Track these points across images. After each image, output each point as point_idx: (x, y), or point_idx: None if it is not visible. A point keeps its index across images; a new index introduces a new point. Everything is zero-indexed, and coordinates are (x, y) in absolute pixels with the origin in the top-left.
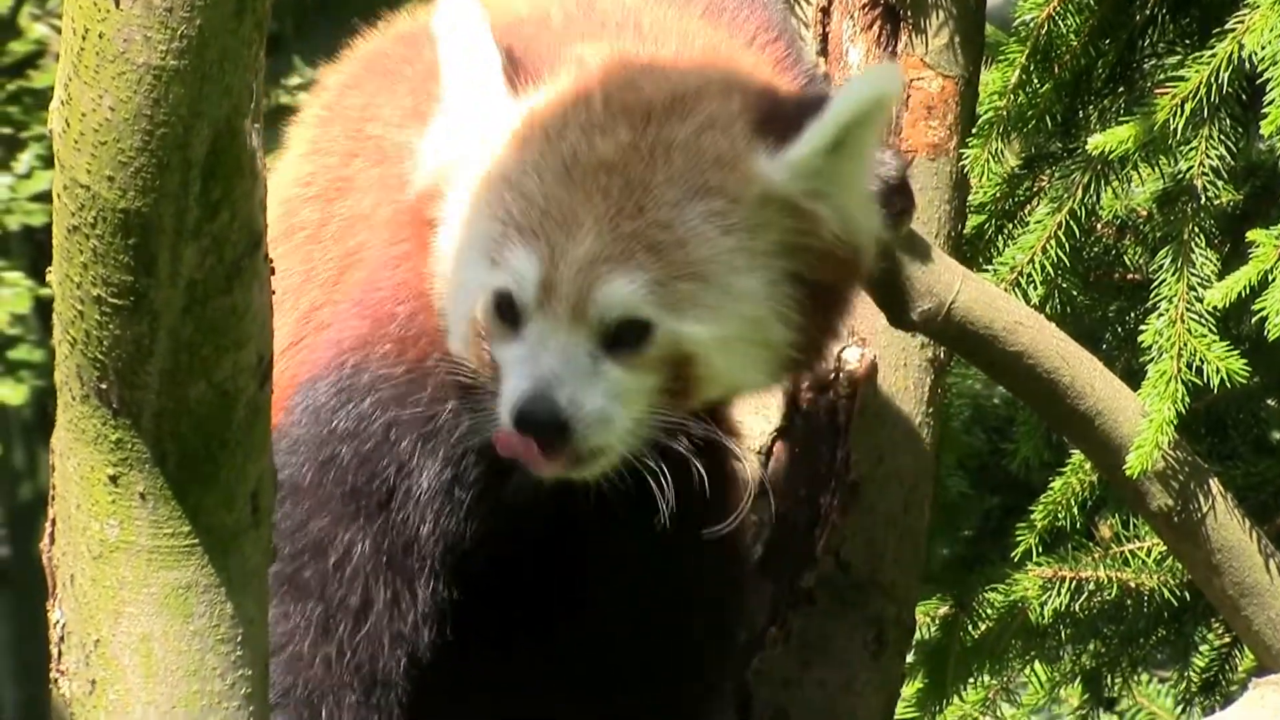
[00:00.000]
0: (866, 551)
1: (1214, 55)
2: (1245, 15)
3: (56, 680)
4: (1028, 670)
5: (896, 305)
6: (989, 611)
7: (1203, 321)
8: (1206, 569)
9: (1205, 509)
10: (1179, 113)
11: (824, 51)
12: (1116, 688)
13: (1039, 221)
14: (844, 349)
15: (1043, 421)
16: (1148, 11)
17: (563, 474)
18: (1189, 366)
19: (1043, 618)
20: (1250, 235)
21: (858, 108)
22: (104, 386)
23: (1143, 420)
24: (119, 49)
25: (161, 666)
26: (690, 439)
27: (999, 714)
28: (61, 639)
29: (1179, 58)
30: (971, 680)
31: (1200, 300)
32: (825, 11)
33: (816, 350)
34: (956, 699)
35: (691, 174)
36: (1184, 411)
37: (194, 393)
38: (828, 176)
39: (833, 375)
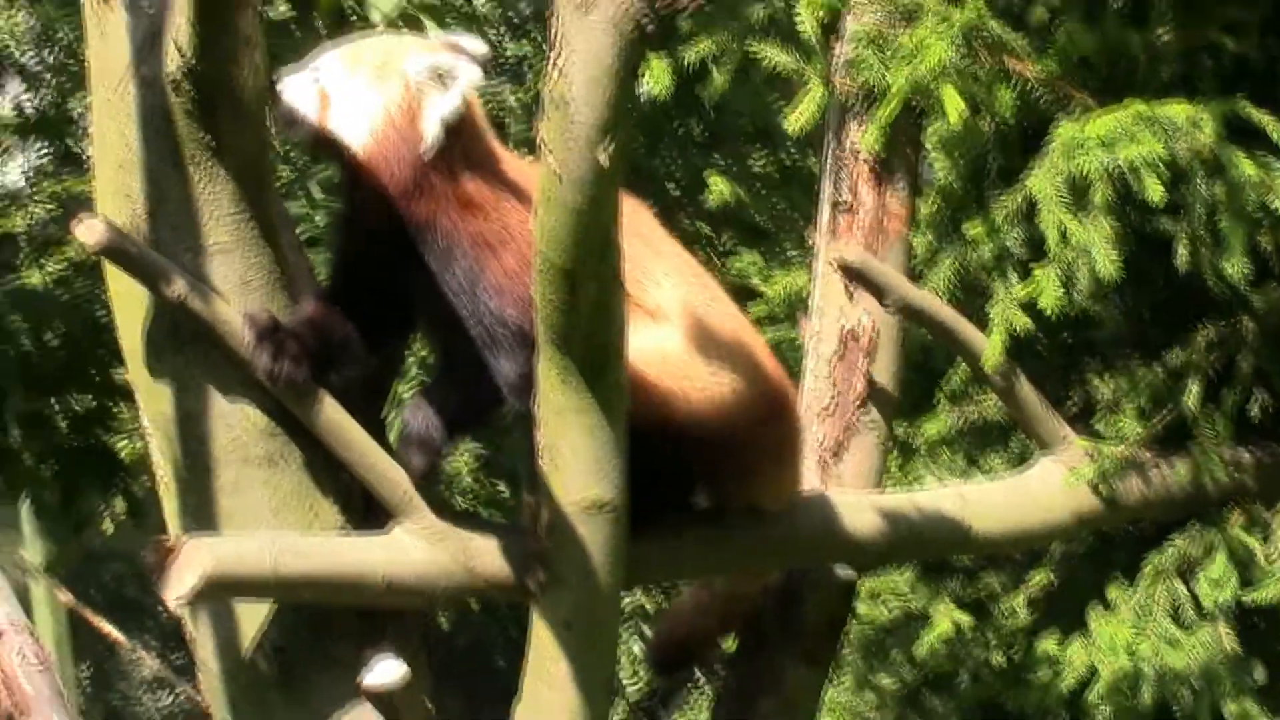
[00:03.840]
0: None
1: (1019, 190)
2: (1028, 172)
3: (539, 462)
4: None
5: (880, 296)
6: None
7: (1014, 306)
8: (1016, 408)
9: (1017, 383)
10: (1005, 216)
11: (853, 191)
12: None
13: (943, 264)
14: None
15: (945, 346)
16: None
17: None
18: (1009, 326)
19: (947, 429)
20: (1037, 271)
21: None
22: (557, 340)
23: (989, 344)
24: (559, 199)
25: (580, 454)
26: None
27: None
28: (539, 446)
29: (1004, 193)
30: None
31: (1012, 295)
32: (854, 175)
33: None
34: None
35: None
36: (1007, 344)
37: (595, 344)
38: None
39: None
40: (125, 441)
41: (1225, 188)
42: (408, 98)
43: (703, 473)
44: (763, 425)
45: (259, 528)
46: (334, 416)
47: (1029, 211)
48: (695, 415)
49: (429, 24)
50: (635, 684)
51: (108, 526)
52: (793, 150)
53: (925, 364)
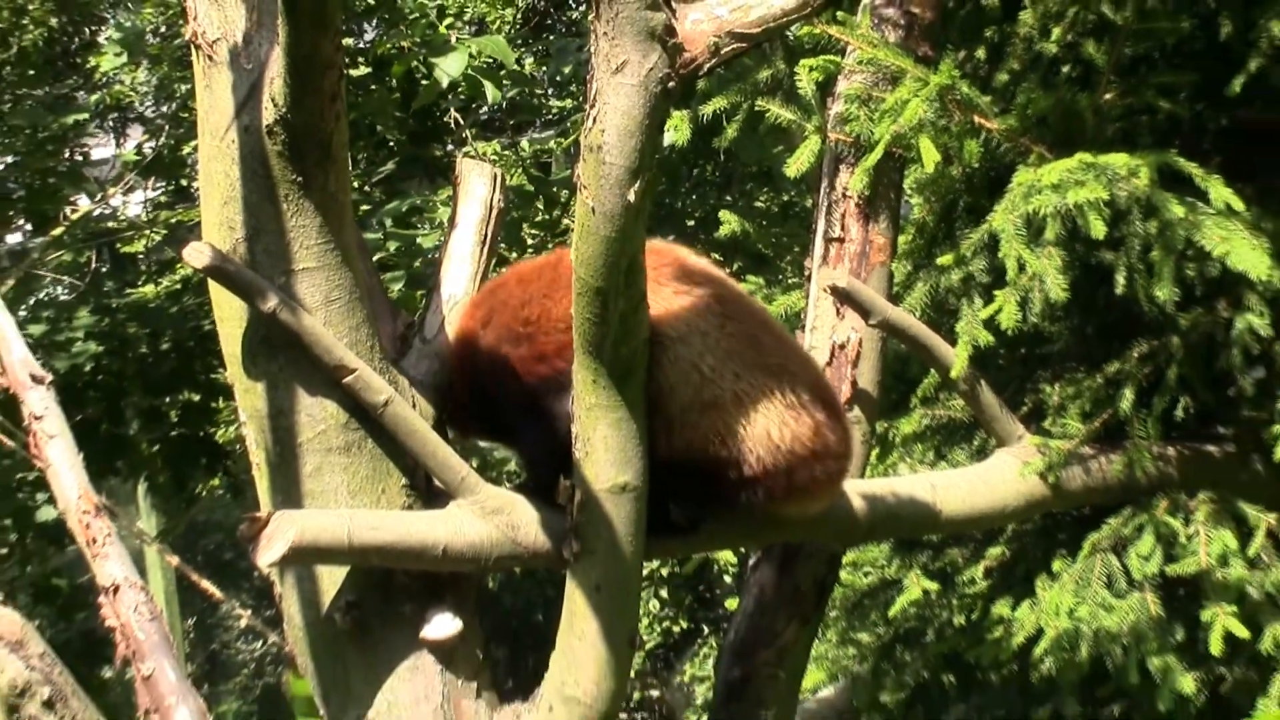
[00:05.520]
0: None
1: (984, 226)
2: (992, 211)
3: (573, 450)
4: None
5: (865, 315)
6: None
7: (978, 324)
8: (978, 410)
9: (979, 389)
10: (972, 248)
11: (843, 225)
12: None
13: (918, 288)
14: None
15: (919, 357)
16: (959, 214)
17: None
18: (973, 341)
19: (919, 427)
20: (997, 295)
21: None
22: (590, 349)
23: (956, 355)
24: (594, 229)
25: (610, 446)
26: None
27: None
28: (575, 437)
29: (971, 229)
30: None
31: (976, 315)
32: (843, 212)
33: None
34: None
35: None
36: (971, 355)
37: (622, 352)
38: None
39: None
40: (224, 431)
41: (1158, 226)
42: None
43: (754, 494)
44: (818, 461)
45: (337, 505)
46: (403, 413)
47: (991, 244)
48: (754, 453)
49: (487, 84)
50: (653, 637)
51: (210, 502)
52: (792, 191)
53: (902, 372)
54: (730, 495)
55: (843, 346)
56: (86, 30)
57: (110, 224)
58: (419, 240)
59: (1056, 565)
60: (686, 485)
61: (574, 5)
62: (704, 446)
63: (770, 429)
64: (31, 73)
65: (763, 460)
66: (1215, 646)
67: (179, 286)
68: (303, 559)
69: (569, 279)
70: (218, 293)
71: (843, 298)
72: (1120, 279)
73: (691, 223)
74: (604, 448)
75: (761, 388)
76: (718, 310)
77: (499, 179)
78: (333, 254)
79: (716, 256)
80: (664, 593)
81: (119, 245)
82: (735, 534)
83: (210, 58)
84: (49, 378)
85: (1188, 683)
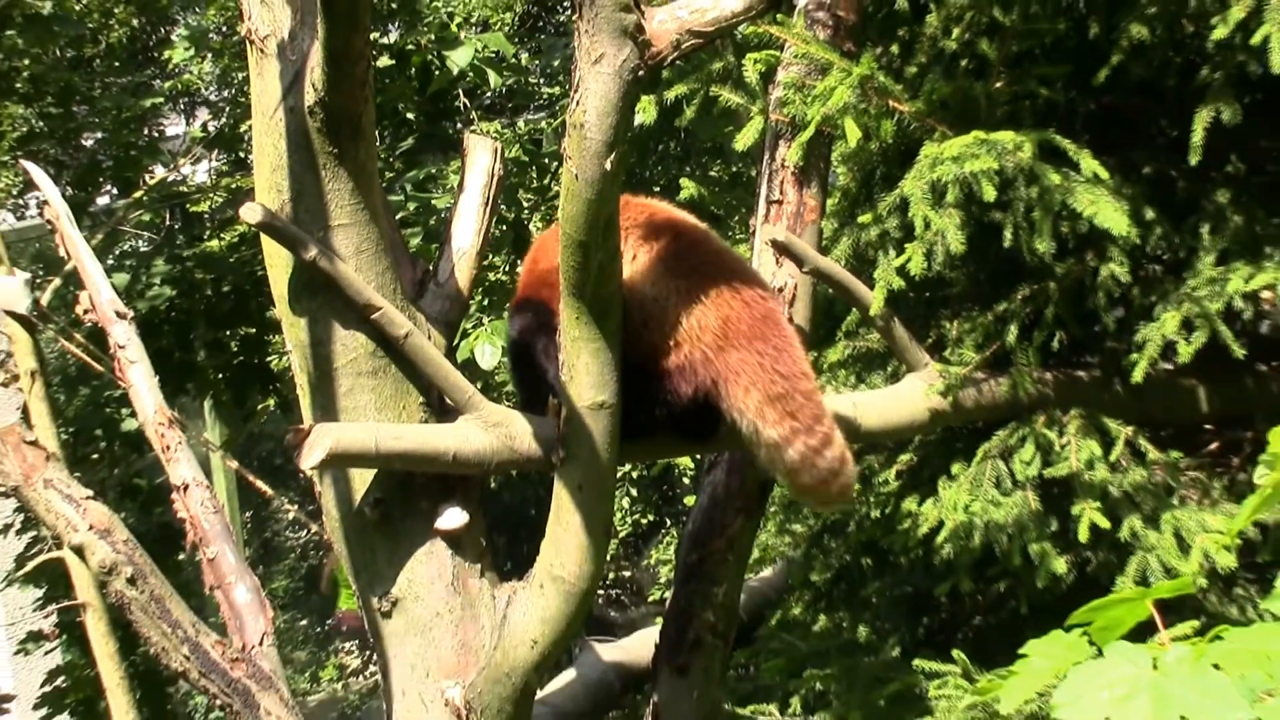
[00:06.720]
0: None
1: (897, 191)
2: (903, 179)
3: (560, 374)
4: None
5: (800, 264)
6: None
7: (892, 271)
8: (891, 341)
9: (893, 324)
10: (887, 209)
11: (782, 190)
12: (867, 384)
13: (843, 242)
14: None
15: (843, 298)
16: (876, 181)
17: None
18: (888, 285)
19: (843, 355)
20: (908, 247)
21: None
22: (573, 290)
23: (874, 297)
24: (578, 192)
25: (590, 371)
26: None
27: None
28: (562, 364)
29: (886, 194)
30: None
31: (890, 264)
32: (782, 179)
33: None
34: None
35: None
36: (886, 297)
37: (601, 294)
38: None
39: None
40: (277, 360)
41: (1038, 191)
42: None
43: (686, 384)
44: (733, 349)
45: (366, 419)
46: (420, 344)
47: (903, 206)
48: (670, 339)
49: (490, 73)
50: (625, 527)
51: (264, 417)
52: (740, 163)
53: (830, 310)
54: (667, 389)
55: (781, 289)
56: (161, 29)
57: (181, 189)
58: (433, 202)
59: (955, 469)
60: (639, 389)
61: (561, 9)
62: (635, 343)
63: (682, 318)
64: (117, 64)
65: (689, 350)
66: (1083, 535)
67: (238, 240)
68: (338, 463)
69: (546, 244)
70: (268, 244)
71: (781, 250)
72: (1008, 234)
73: (657, 189)
74: (585, 372)
75: (677, 288)
76: (638, 227)
77: (499, 151)
78: (362, 213)
79: None
80: (634, 491)
81: (188, 206)
82: (690, 446)
83: (262, 51)
84: (130, 314)
85: (1060, 565)
